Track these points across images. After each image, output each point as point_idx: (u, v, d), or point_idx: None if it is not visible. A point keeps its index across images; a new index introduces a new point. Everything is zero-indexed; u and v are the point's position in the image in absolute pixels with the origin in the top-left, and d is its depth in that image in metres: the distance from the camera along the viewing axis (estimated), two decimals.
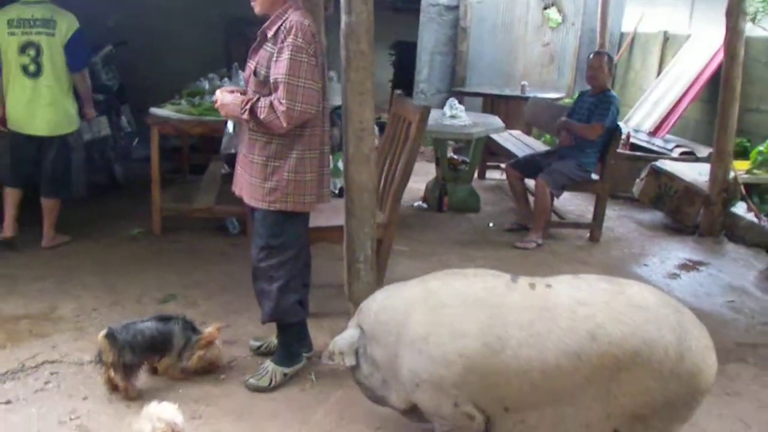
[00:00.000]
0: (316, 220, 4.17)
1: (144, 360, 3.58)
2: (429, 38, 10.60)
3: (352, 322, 3.15)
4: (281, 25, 3.37)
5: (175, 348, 3.67)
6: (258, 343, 4.04)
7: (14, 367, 3.76)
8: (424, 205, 7.30)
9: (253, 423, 3.38)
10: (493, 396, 2.75)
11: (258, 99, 3.37)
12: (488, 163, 8.65)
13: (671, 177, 6.93)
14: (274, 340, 3.94)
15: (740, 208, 6.74)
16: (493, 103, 9.55)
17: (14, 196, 5.49)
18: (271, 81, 3.34)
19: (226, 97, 3.54)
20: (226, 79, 7.07)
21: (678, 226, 6.93)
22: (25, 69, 5.24)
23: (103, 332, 3.43)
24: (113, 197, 6.84)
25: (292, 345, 3.77)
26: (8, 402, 3.46)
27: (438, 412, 2.84)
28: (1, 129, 5.47)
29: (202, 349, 3.67)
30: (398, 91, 5.37)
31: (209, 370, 3.76)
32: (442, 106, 7.46)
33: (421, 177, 7.80)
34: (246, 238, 5.79)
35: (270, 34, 3.43)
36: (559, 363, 2.63)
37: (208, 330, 3.74)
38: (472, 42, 10.55)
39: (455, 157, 7.58)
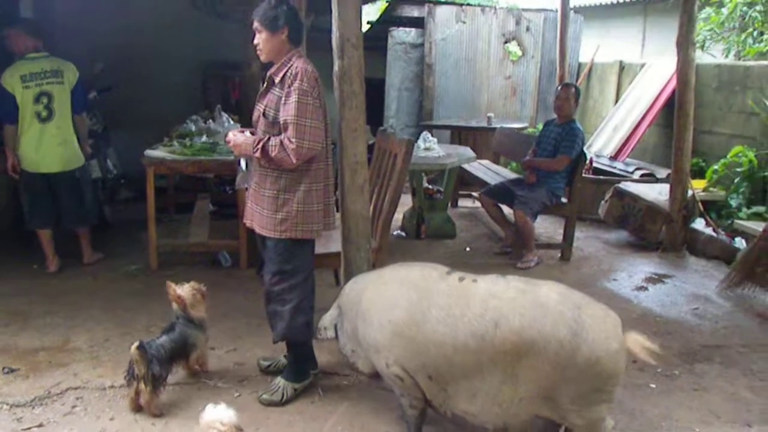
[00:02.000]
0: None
1: (169, 371, 3.91)
2: (396, 75, 11.00)
3: (334, 303, 3.82)
4: (287, 71, 3.72)
5: (196, 342, 4.12)
6: (267, 362, 4.35)
7: (41, 394, 4.02)
8: (403, 234, 7.65)
9: None
10: (416, 363, 3.29)
11: (269, 138, 3.71)
12: (460, 192, 9.03)
13: (634, 198, 7.35)
14: (282, 359, 4.25)
15: (699, 224, 7.18)
16: (461, 135, 9.97)
17: (46, 236, 6.04)
18: (281, 122, 3.68)
19: (238, 137, 3.89)
20: (210, 120, 7.37)
21: (642, 243, 7.35)
22: (38, 115, 5.79)
23: (135, 344, 3.72)
24: (104, 237, 7.09)
25: (301, 362, 4.07)
26: (41, 425, 3.73)
27: (381, 371, 3.46)
28: (14, 175, 5.91)
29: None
30: (381, 127, 5.74)
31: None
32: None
33: (399, 207, 8.16)
34: (239, 270, 6.15)
35: (277, 80, 3.78)
36: (467, 342, 3.13)
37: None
38: (437, 77, 10.94)
39: (430, 186, 7.94)
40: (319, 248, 4.55)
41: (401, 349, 3.30)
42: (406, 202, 8.33)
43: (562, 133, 6.57)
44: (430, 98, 10.98)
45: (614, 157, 8.90)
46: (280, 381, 4.04)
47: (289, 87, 3.66)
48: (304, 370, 4.07)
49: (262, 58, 3.86)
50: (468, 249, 7.17)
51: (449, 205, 8.12)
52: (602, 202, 7.73)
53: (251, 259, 6.12)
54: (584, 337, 3.03)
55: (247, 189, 4.11)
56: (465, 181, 8.64)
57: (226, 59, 9.11)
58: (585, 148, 6.75)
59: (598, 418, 3.22)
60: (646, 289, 6.10)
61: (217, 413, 2.95)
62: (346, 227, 4.10)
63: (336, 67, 3.95)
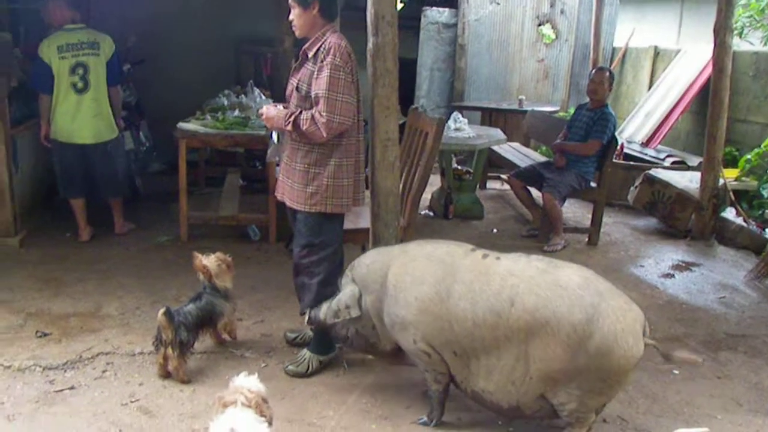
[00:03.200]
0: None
1: (195, 338, 3.99)
2: (428, 55, 10.96)
3: (345, 279, 3.74)
4: (320, 46, 3.76)
5: (222, 310, 4.19)
6: (294, 335, 4.42)
7: (72, 358, 4.13)
8: (431, 214, 7.68)
9: (296, 403, 3.75)
10: (442, 339, 3.33)
11: (300, 112, 3.77)
12: (489, 174, 9.03)
13: (664, 185, 7.32)
14: (308, 331, 4.30)
15: (730, 213, 7.13)
16: (491, 117, 9.94)
17: (78, 205, 6.13)
18: (312, 96, 3.74)
19: (271, 110, 3.95)
20: (242, 95, 7.44)
21: (671, 231, 7.31)
22: (74, 86, 5.84)
23: (162, 310, 3.81)
24: (136, 208, 7.19)
25: (327, 335, 4.09)
26: (72, 387, 3.83)
27: (408, 348, 3.47)
28: (46, 144, 5.99)
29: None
30: (413, 106, 5.75)
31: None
32: None
33: (428, 187, 8.21)
34: (267, 244, 6.22)
35: (310, 54, 3.83)
36: (485, 317, 3.19)
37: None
38: (469, 58, 10.90)
39: (459, 167, 7.95)
40: (348, 224, 4.60)
41: (428, 325, 3.34)
42: (434, 182, 8.36)
43: (594, 118, 6.54)
44: (462, 79, 10.93)
45: (646, 144, 8.86)
46: (305, 353, 4.10)
47: (322, 62, 3.71)
48: (329, 342, 4.11)
49: (297, 33, 3.91)
50: (495, 230, 7.19)
51: (477, 186, 8.12)
52: (632, 188, 7.70)
53: (280, 233, 6.20)
54: (599, 325, 3.04)
55: (278, 163, 4.16)
56: (494, 163, 8.63)
57: (258, 35, 9.15)
58: (616, 134, 6.71)
59: (594, 409, 3.26)
60: (672, 276, 6.08)
61: (246, 381, 3.01)
62: (376, 204, 4.12)
63: (370, 45, 3.96)
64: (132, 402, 3.71)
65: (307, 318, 3.84)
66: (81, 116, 5.92)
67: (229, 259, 4.34)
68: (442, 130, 4.72)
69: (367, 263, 3.68)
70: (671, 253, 6.73)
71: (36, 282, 5.24)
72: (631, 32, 10.69)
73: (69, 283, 5.25)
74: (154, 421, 3.54)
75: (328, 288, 3.94)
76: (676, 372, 4.31)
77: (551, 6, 10.85)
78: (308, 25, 3.83)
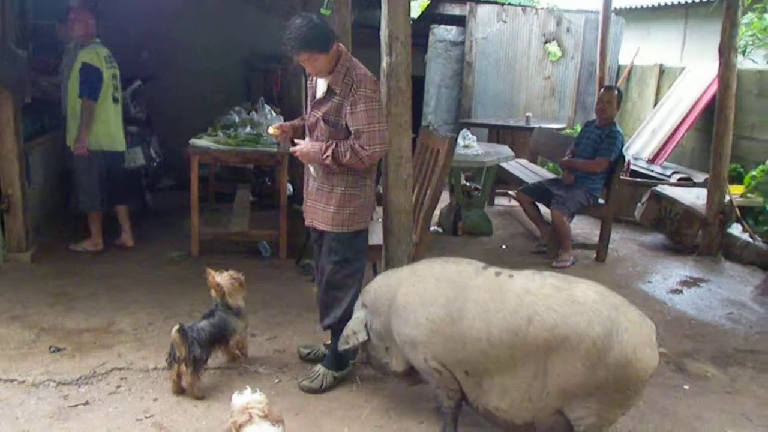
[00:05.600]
0: None
1: (209, 354, 4.02)
2: (436, 72, 11.05)
3: (357, 305, 3.83)
4: (344, 78, 3.80)
5: (235, 327, 4.22)
6: (307, 350, 4.46)
7: (87, 374, 4.17)
8: (440, 230, 7.72)
9: (310, 419, 3.79)
10: (454, 358, 3.35)
11: (336, 144, 3.81)
12: (497, 190, 9.08)
13: (671, 201, 7.36)
14: (321, 347, 4.36)
15: (736, 229, 7.18)
16: (498, 134, 10.01)
17: (100, 216, 6.33)
18: (353, 130, 3.79)
19: (305, 146, 3.95)
20: (253, 112, 7.51)
21: (678, 247, 7.35)
22: (113, 96, 6.15)
23: (176, 327, 3.84)
24: (146, 223, 7.26)
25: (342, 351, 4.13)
26: (86, 403, 3.87)
27: (419, 366, 3.49)
28: (84, 154, 6.07)
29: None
30: (425, 123, 5.81)
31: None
32: None
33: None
34: (278, 260, 6.27)
35: (337, 89, 3.82)
36: (501, 337, 3.20)
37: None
38: (477, 75, 10.98)
39: (468, 184, 8.00)
40: None
41: (439, 345, 3.36)
42: (444, 198, 8.41)
43: (602, 135, 6.60)
44: (469, 96, 11.01)
45: (652, 161, 8.90)
46: (320, 368, 4.13)
47: (354, 94, 3.77)
48: (344, 358, 4.14)
49: (320, 77, 3.92)
50: (504, 247, 7.23)
51: (486, 202, 8.16)
52: (639, 204, 7.75)
53: (291, 249, 6.26)
54: (618, 339, 3.08)
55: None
56: (502, 179, 8.67)
57: (268, 52, 9.21)
58: (623, 151, 6.77)
59: (611, 421, 3.30)
60: (680, 292, 6.12)
61: (247, 397, 3.02)
62: (389, 220, 4.19)
63: (384, 64, 4.03)
64: (146, 418, 3.74)
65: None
66: (118, 125, 6.24)
67: (241, 278, 4.38)
68: (454, 148, 4.76)
69: (375, 288, 3.74)
70: (679, 269, 6.77)
71: (48, 297, 5.29)
72: (636, 50, 10.76)
73: (81, 297, 5.30)
74: None
75: (355, 302, 3.98)
76: (687, 387, 4.35)
77: (557, 24, 10.94)
78: (331, 64, 3.81)
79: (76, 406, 3.83)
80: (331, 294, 4.10)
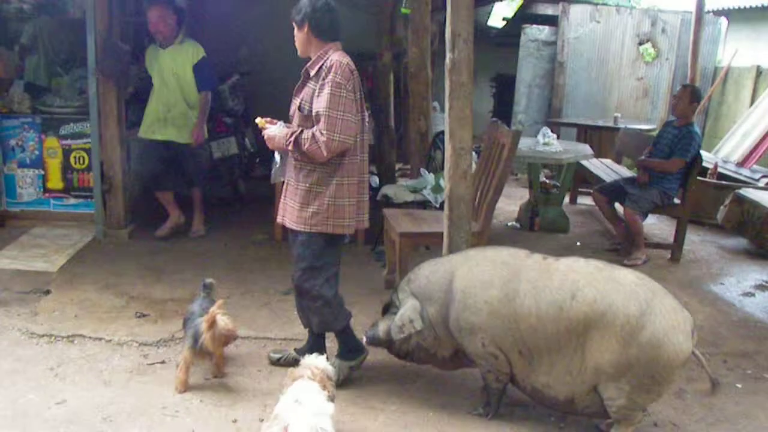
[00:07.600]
0: (420, 227, 4.91)
1: None
2: (527, 72, 11.15)
3: (403, 294, 3.89)
4: (322, 64, 3.76)
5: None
6: (278, 356, 4.35)
7: (165, 337, 4.61)
8: (517, 225, 7.85)
9: (358, 389, 4.07)
10: (510, 340, 3.55)
11: (301, 131, 3.72)
12: (581, 189, 9.13)
13: (754, 205, 7.25)
14: (292, 352, 4.30)
15: None
16: (587, 133, 10.04)
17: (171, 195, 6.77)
18: (313, 114, 3.70)
19: (272, 130, 3.91)
20: None
21: (760, 251, 7.25)
22: None
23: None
24: (237, 209, 7.71)
25: (350, 339, 4.17)
26: (163, 362, 4.30)
27: (475, 351, 3.65)
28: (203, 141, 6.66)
29: (207, 331, 3.81)
30: (493, 118, 5.98)
31: (227, 342, 3.96)
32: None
33: (516, 200, 8.48)
34: (357, 247, 6.56)
35: (312, 73, 3.82)
36: (548, 311, 3.42)
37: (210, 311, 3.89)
38: (568, 75, 11.03)
39: (547, 181, 8.09)
40: (425, 227, 4.94)
41: (497, 328, 3.56)
42: (524, 195, 8.56)
43: (679, 135, 6.61)
44: (560, 96, 11.06)
45: (741, 164, 8.75)
46: (335, 361, 4.02)
47: (323, 80, 3.68)
48: (356, 345, 4.15)
49: (299, 52, 3.94)
50: (578, 243, 7.30)
51: (567, 201, 8.24)
52: (721, 207, 7.66)
53: (368, 237, 6.55)
54: (651, 319, 3.26)
55: (283, 183, 4.13)
56: (586, 179, 8.72)
57: (359, 49, 9.50)
58: (712, 153, 6.73)
59: (641, 406, 3.44)
60: (753, 295, 6.08)
61: (314, 360, 3.40)
62: (449, 208, 4.38)
63: (447, 60, 4.24)
64: (215, 377, 4.12)
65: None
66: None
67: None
68: (518, 141, 4.94)
69: (426, 274, 3.84)
70: (756, 273, 6.70)
71: (140, 269, 5.77)
72: (734, 51, 10.57)
73: (169, 272, 5.76)
74: (232, 395, 3.94)
75: (334, 306, 4.00)
76: (739, 386, 4.39)
77: (652, 25, 10.87)
78: (304, 44, 3.85)
79: (153, 364, 4.26)
80: (303, 302, 4.06)
